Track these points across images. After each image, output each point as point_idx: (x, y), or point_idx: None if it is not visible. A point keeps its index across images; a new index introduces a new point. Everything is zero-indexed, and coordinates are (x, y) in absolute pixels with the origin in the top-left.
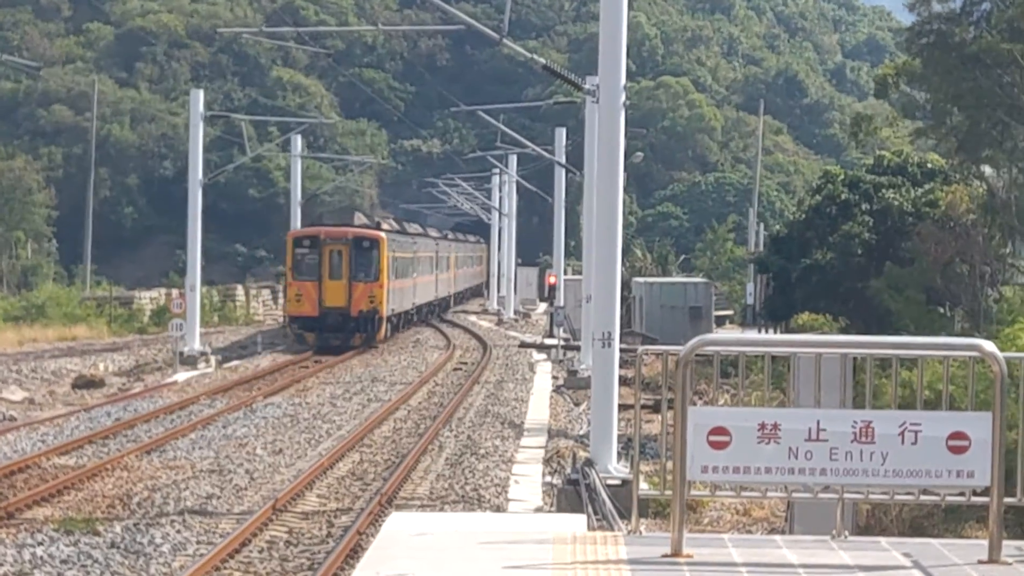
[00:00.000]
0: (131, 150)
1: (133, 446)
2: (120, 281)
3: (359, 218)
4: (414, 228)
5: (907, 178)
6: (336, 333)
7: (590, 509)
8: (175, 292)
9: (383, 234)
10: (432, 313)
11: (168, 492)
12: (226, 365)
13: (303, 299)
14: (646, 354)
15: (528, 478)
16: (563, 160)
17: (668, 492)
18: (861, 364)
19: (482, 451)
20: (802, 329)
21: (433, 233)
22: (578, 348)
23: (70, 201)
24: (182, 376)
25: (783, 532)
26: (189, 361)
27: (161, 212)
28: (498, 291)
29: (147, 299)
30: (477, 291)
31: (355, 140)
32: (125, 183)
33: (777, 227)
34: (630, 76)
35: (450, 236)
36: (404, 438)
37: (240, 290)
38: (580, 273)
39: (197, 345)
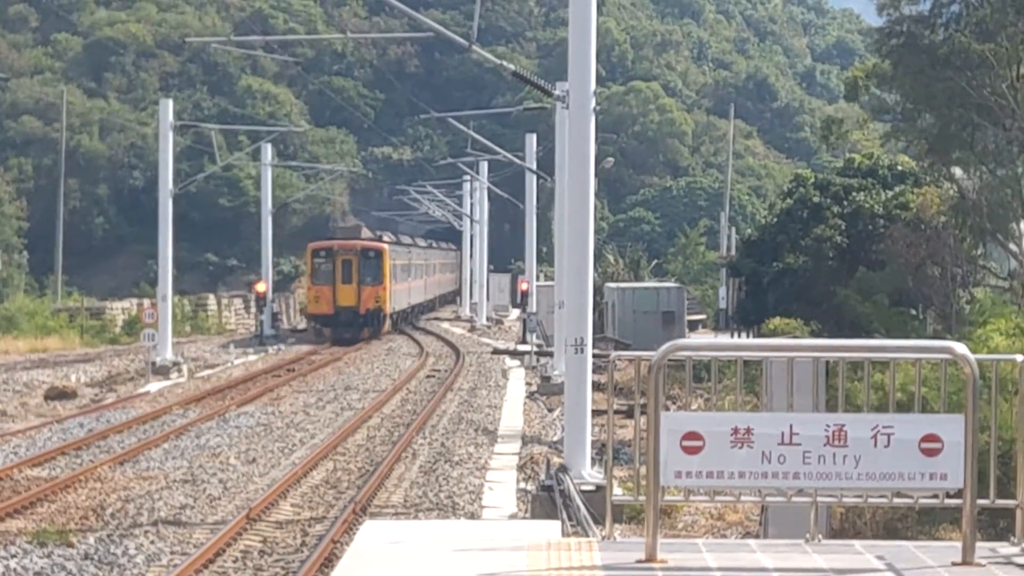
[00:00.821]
0: (101, 160)
1: (106, 457)
2: (91, 292)
3: (365, 232)
4: (407, 239)
5: (878, 180)
6: (348, 328)
7: (564, 515)
8: (147, 302)
9: (385, 245)
10: (424, 311)
11: (141, 503)
12: (199, 375)
13: (320, 300)
14: (619, 360)
15: (502, 485)
16: (534, 166)
17: (642, 497)
18: (833, 367)
19: (456, 458)
20: (774, 333)
21: (421, 243)
22: (551, 354)
23: (40, 212)
24: (155, 386)
25: (757, 536)
26: (161, 371)
27: (132, 222)
28: (470, 298)
29: (119, 309)
30: (456, 294)
31: (325, 148)
32: (95, 193)
33: (749, 231)
34: (600, 81)
35: (434, 245)
36: (378, 446)
37: (212, 299)
38: (552, 279)
39: (169, 355)
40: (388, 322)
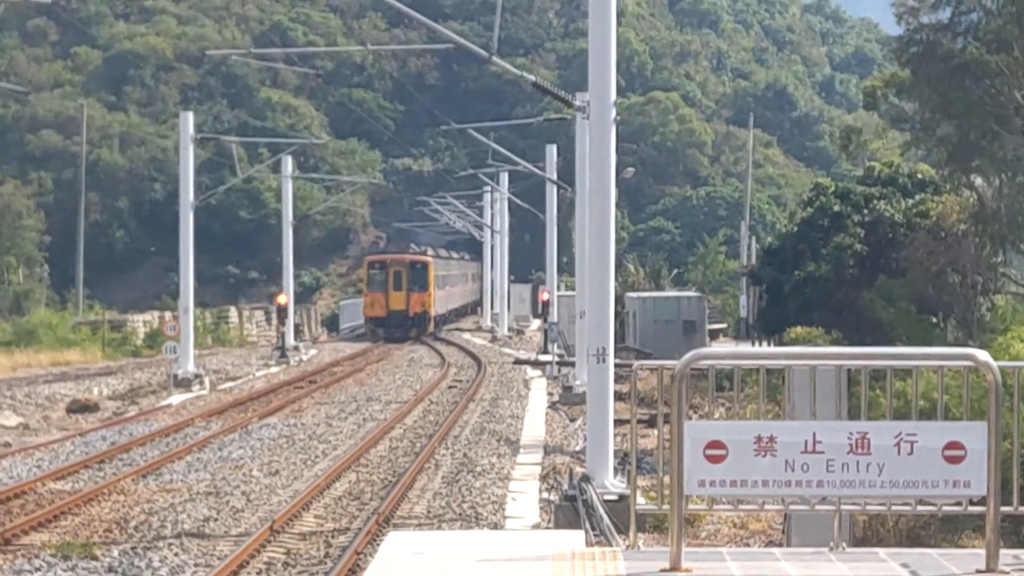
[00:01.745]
0: (121, 174)
1: (129, 470)
2: (112, 305)
3: (412, 248)
4: (444, 253)
5: (898, 189)
6: (398, 328)
7: (588, 525)
8: (168, 315)
9: (430, 259)
10: (459, 315)
11: (165, 515)
12: (220, 387)
13: (375, 305)
14: (641, 369)
15: (525, 495)
16: (554, 176)
17: (666, 507)
18: (856, 376)
19: (478, 469)
20: (795, 342)
21: (455, 255)
22: (573, 364)
23: (61, 226)
24: (177, 399)
25: (781, 545)
26: (183, 384)
27: (152, 235)
28: (491, 308)
29: (140, 322)
30: (477, 304)
31: (346, 160)
32: (116, 207)
33: (769, 240)
34: (620, 92)
35: (466, 257)
36: (400, 457)
37: (233, 312)
38: (573, 289)
39: (191, 367)
40: (432, 324)
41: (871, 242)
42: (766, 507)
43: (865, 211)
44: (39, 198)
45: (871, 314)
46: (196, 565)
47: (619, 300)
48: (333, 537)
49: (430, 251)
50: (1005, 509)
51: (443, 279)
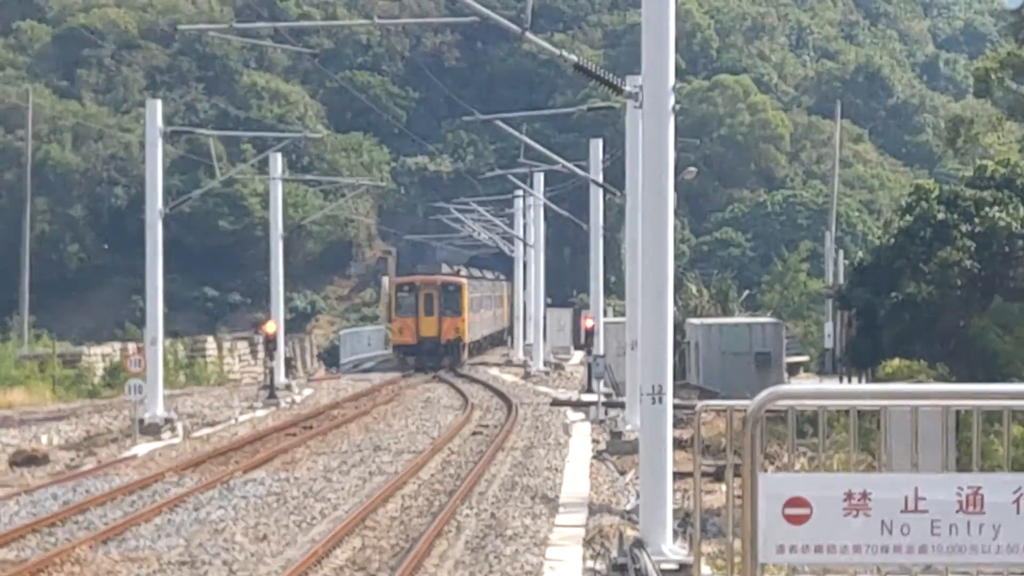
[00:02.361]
0: (75, 175)
1: (85, 535)
2: (65, 335)
3: (444, 268)
4: (477, 273)
5: (1016, 193)
6: (430, 357)
7: None
8: (132, 347)
9: (464, 280)
10: (494, 343)
11: None
12: (196, 434)
13: (404, 331)
14: (706, 411)
15: (565, 564)
16: (600, 178)
17: None
18: (966, 418)
19: (509, 532)
20: (893, 378)
21: (488, 276)
22: (622, 405)
23: (2, 238)
24: (143, 449)
25: None
26: (151, 430)
27: (113, 250)
28: (523, 338)
29: (98, 356)
30: (508, 332)
31: (347, 158)
32: (68, 215)
33: (860, 255)
34: (679, 75)
35: (501, 277)
36: (414, 518)
37: (211, 343)
38: (623, 314)
39: (160, 411)
40: (466, 351)
41: (983, 257)
42: None
43: (976, 220)
44: None
45: (984, 344)
46: None
47: (678, 328)
48: None
49: (463, 271)
50: None
51: (477, 302)
